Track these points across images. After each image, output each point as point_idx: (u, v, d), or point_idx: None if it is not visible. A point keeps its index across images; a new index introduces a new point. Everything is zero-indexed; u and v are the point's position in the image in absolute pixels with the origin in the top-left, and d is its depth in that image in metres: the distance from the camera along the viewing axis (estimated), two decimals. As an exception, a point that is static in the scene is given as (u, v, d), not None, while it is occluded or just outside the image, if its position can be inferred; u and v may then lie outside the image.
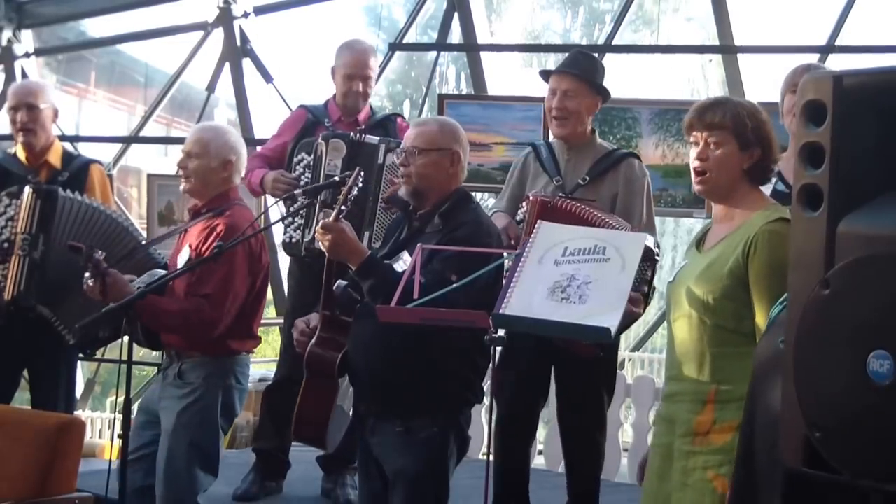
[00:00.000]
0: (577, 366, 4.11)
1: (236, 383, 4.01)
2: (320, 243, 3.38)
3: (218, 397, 3.94)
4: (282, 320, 6.41)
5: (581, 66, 4.27)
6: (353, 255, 3.35)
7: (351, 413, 3.57)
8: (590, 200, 4.03)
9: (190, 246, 3.94)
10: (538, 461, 6.12)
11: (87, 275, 3.75)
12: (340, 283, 3.50)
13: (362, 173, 3.48)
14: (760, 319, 2.79)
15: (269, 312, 9.81)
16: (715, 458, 2.84)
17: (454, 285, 3.05)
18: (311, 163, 4.61)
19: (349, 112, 4.83)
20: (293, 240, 4.62)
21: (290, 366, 4.83)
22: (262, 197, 7.47)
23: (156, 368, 4.92)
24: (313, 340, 3.49)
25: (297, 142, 4.75)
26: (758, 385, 2.35)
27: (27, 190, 4.51)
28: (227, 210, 3.98)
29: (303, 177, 4.63)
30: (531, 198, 3.99)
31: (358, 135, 4.60)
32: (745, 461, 2.35)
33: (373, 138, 4.60)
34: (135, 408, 3.87)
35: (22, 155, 4.80)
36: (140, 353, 4.36)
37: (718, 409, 2.86)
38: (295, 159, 4.69)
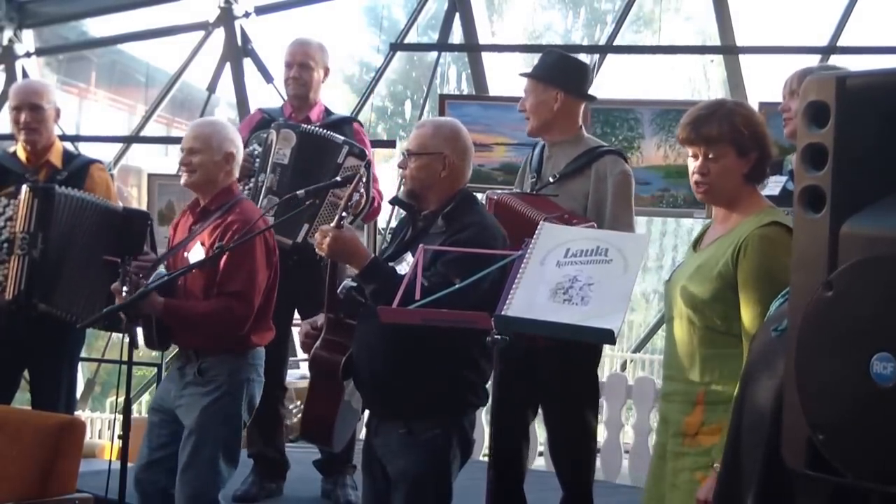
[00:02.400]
0: (555, 371, 4.12)
1: (256, 377, 4.03)
2: (319, 249, 3.39)
3: (243, 392, 3.96)
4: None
5: (536, 66, 4.31)
6: (355, 258, 3.35)
7: (360, 410, 3.58)
8: (551, 196, 4.06)
9: (202, 244, 3.94)
10: (538, 462, 6.11)
11: (124, 287, 3.74)
12: (345, 284, 3.50)
13: (364, 178, 3.49)
14: (747, 323, 2.80)
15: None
16: (702, 460, 2.84)
17: (456, 286, 3.05)
18: (262, 153, 4.66)
19: (299, 108, 4.90)
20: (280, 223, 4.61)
21: None
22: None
23: (155, 369, 4.92)
24: (318, 343, 3.49)
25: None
26: (746, 383, 2.36)
27: (24, 188, 4.51)
28: (235, 206, 4.00)
29: (253, 166, 4.68)
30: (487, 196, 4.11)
31: (310, 127, 4.66)
32: (732, 459, 2.36)
33: (337, 137, 4.66)
34: (135, 408, 3.87)
35: (22, 154, 4.79)
36: (140, 353, 4.35)
37: (707, 411, 2.87)
38: (247, 151, 4.72)
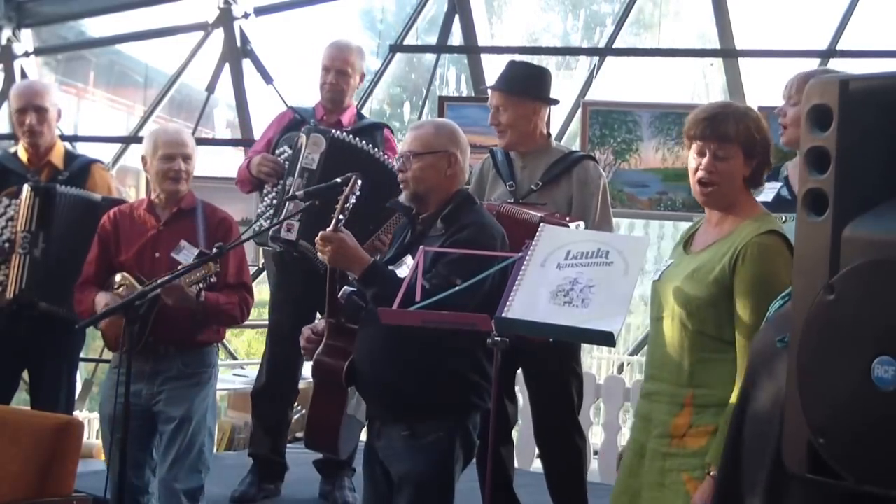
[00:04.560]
0: (541, 367, 4.20)
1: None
2: (321, 254, 3.39)
3: (216, 382, 4.23)
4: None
5: (508, 80, 4.32)
6: (355, 263, 3.34)
7: (365, 421, 3.58)
8: (540, 204, 4.09)
9: (191, 242, 4.03)
10: (536, 465, 6.11)
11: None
12: (346, 289, 3.49)
13: (359, 182, 3.47)
14: (741, 331, 2.80)
15: (264, 314, 9.76)
16: (690, 462, 2.85)
17: (456, 288, 3.05)
18: (291, 156, 4.63)
19: (332, 111, 4.86)
20: (262, 228, 4.61)
21: (273, 367, 4.85)
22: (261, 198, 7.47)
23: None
24: (320, 349, 3.48)
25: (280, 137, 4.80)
26: (748, 389, 2.36)
27: (25, 188, 4.54)
28: (204, 205, 4.21)
29: (283, 169, 4.65)
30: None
31: (341, 133, 4.62)
32: (731, 463, 2.36)
33: (391, 163, 4.60)
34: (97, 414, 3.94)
35: (24, 155, 4.79)
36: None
37: (695, 413, 2.88)
38: (277, 152, 4.71)
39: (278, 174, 4.63)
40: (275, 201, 4.63)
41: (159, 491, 4.08)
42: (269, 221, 4.54)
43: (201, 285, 3.86)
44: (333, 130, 4.64)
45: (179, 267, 3.92)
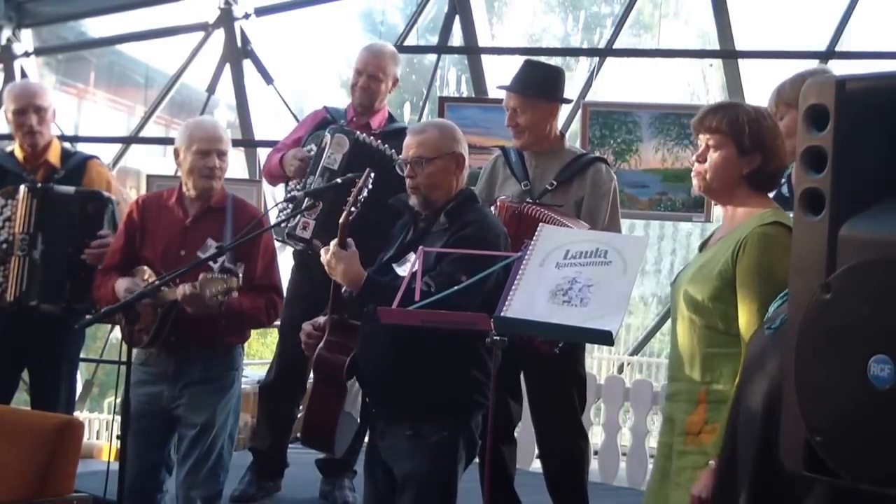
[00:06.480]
0: (544, 369, 4.17)
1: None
2: (328, 268, 3.41)
3: (240, 384, 4.14)
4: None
5: (524, 82, 4.31)
6: (349, 279, 3.38)
7: (359, 419, 3.58)
8: (556, 206, 4.09)
9: (217, 241, 3.97)
10: (536, 464, 6.12)
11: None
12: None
13: (372, 174, 3.48)
14: (743, 321, 2.80)
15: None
16: (703, 459, 2.84)
17: (456, 287, 3.06)
18: (314, 155, 4.63)
19: (362, 113, 4.85)
20: (280, 223, 4.61)
21: (283, 362, 4.85)
22: (263, 198, 7.49)
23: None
24: (321, 344, 3.48)
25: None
26: (742, 384, 2.37)
27: (22, 189, 4.53)
28: (237, 202, 4.14)
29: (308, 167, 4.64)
30: (499, 203, 4.09)
31: (365, 136, 4.61)
32: (728, 457, 2.38)
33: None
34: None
35: (20, 154, 4.78)
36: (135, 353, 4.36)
37: (710, 410, 2.87)
38: (304, 149, 4.71)
39: (301, 170, 4.64)
40: (291, 196, 4.62)
41: (177, 495, 4.04)
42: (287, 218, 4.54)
43: (223, 298, 3.74)
44: (358, 133, 4.61)
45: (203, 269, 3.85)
